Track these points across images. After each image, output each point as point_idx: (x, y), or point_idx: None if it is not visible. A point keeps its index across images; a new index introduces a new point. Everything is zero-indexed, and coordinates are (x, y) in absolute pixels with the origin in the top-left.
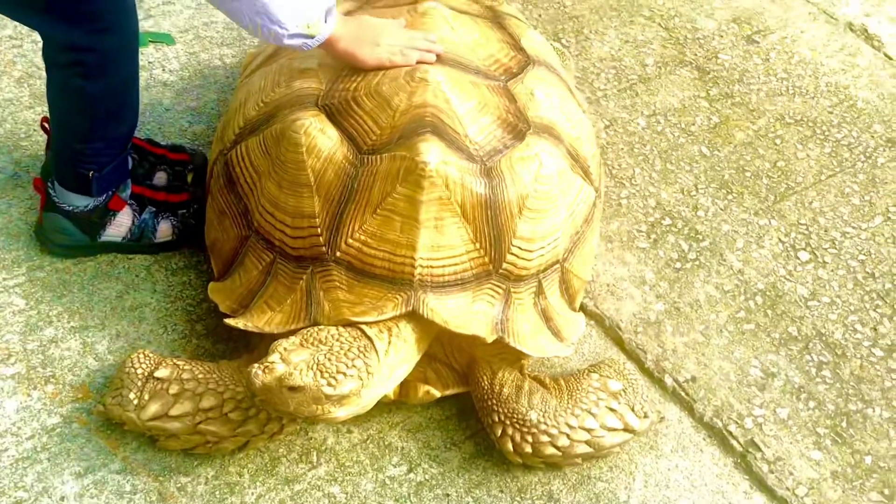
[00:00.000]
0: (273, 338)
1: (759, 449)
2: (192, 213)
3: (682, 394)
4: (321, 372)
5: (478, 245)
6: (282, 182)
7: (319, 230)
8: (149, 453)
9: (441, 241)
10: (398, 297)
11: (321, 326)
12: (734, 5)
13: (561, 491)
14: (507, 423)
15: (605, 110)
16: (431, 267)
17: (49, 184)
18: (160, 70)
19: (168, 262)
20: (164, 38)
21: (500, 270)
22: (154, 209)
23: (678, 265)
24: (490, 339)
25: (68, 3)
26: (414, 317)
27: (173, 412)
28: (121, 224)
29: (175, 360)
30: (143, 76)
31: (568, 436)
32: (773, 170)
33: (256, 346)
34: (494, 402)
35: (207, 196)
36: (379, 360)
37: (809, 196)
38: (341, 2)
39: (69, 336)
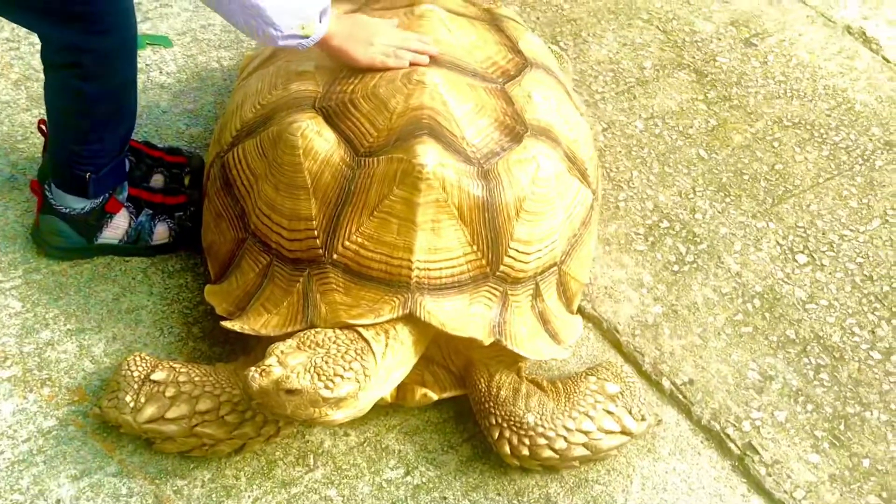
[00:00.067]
0: (270, 340)
1: (756, 452)
2: (189, 216)
3: (680, 396)
4: (318, 375)
5: (475, 247)
6: (278, 184)
7: (316, 232)
8: (145, 456)
9: (438, 244)
10: (395, 299)
11: (318, 329)
12: (732, 8)
13: (558, 494)
14: (505, 425)
15: (602, 113)
16: (428, 269)
17: (46, 186)
18: (157, 72)
19: (165, 265)
20: (162, 41)
21: (498, 273)
22: (151, 212)
23: (676, 268)
24: (487, 341)
25: (67, 4)
26: (411, 319)
27: (169, 415)
28: (117, 226)
29: (171, 363)
30: (141, 78)
31: (565, 438)
32: (770, 172)
33: (253, 348)
34: (492, 404)
35: (204, 198)
36: (376, 362)
37: (807, 199)
38: (339, 4)
39: (65, 339)
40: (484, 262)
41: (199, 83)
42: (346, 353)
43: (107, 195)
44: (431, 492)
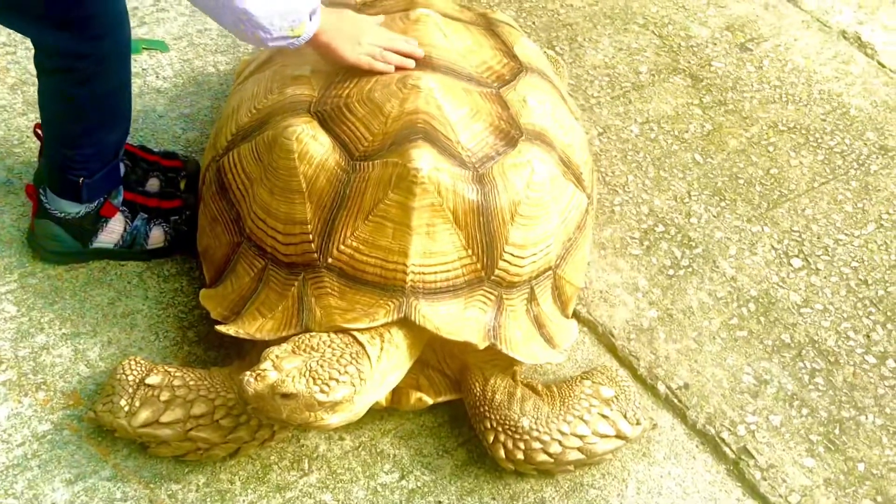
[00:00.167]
0: (265, 345)
1: (751, 456)
2: (185, 220)
3: (675, 401)
4: (313, 379)
5: (470, 252)
6: (274, 188)
7: (311, 236)
8: (140, 460)
9: (433, 248)
10: (390, 303)
11: (313, 333)
12: (728, 13)
13: (553, 498)
14: (500, 429)
15: (598, 117)
16: (423, 273)
17: (41, 190)
18: (154, 77)
19: (160, 269)
20: (158, 45)
21: (493, 277)
22: (146, 216)
23: (671, 272)
24: (482, 345)
25: (59, 9)
26: (406, 323)
27: (164, 419)
28: (112, 231)
29: (166, 367)
30: (137, 83)
31: (560, 442)
32: (766, 177)
33: (248, 352)
34: (486, 408)
35: (200, 203)
36: (371, 366)
37: (802, 203)
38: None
39: (60, 343)
40: (479, 266)
41: (195, 87)
42: (341, 356)
43: (101, 199)
44: (426, 496)
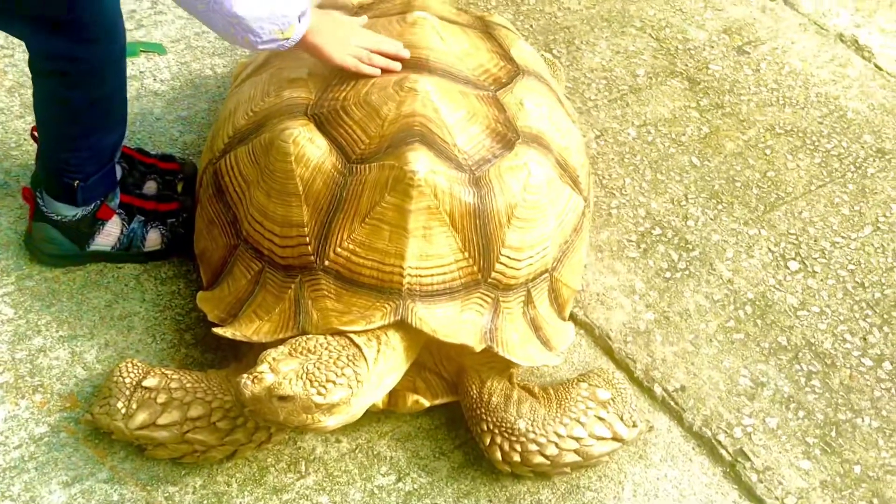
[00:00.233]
0: (262, 347)
1: (748, 458)
2: (182, 222)
3: (672, 403)
4: (310, 381)
5: (466, 254)
6: (270, 191)
7: (308, 239)
8: (136, 462)
9: (429, 251)
10: (386, 306)
11: (309, 335)
12: (725, 16)
13: (550, 500)
14: (496, 431)
15: (595, 120)
16: (420, 276)
17: (38, 193)
18: (151, 80)
19: (157, 272)
20: (156, 48)
21: (489, 280)
22: (143, 218)
23: (668, 275)
24: (478, 348)
25: (52, 12)
26: (402, 326)
27: (161, 421)
28: (109, 233)
29: (163, 370)
30: (135, 85)
31: (556, 445)
32: (763, 180)
33: (245, 355)
34: (483, 410)
35: (197, 205)
36: (368, 368)
37: (799, 206)
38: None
39: (58, 345)
40: (475, 268)
41: (192, 90)
42: (338, 359)
43: (98, 202)
44: (423, 498)
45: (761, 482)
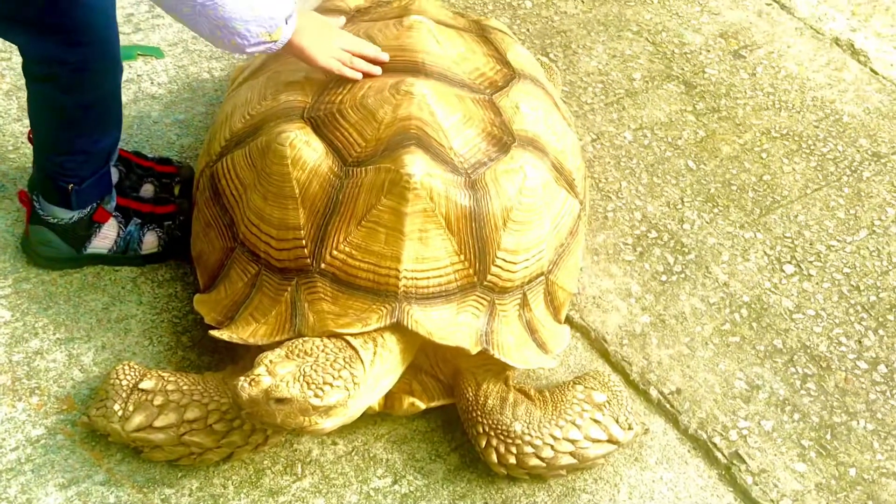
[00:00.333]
0: (258, 349)
1: (743, 461)
2: (178, 225)
3: (667, 406)
4: (308, 383)
5: (462, 257)
6: (267, 194)
7: (304, 242)
8: (133, 465)
9: (425, 253)
10: (383, 308)
11: (306, 338)
12: (721, 20)
13: (545, 503)
14: (492, 434)
15: (592, 124)
16: (416, 279)
17: (34, 196)
18: (149, 83)
19: (154, 274)
20: (153, 52)
21: (485, 282)
22: (140, 221)
23: (664, 278)
24: (474, 350)
25: (43, 15)
26: (399, 328)
27: (158, 423)
28: (106, 236)
29: (160, 372)
30: (132, 89)
31: (552, 447)
32: (758, 183)
33: (242, 357)
34: (479, 413)
35: (194, 208)
36: (365, 370)
37: (795, 209)
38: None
39: (55, 348)
40: (471, 271)
41: (190, 94)
42: (334, 361)
43: (94, 205)
44: (419, 501)
45: (757, 485)
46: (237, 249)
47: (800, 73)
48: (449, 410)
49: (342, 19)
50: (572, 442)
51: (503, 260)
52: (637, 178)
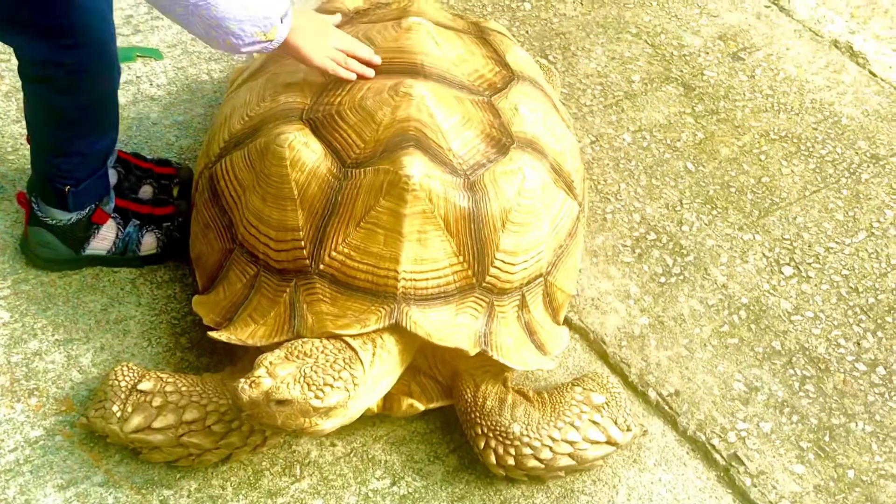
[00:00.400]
0: (257, 351)
1: (742, 463)
2: (177, 227)
3: (666, 407)
4: (308, 385)
5: (461, 258)
6: (266, 195)
7: (303, 243)
8: (131, 466)
9: (424, 255)
10: (381, 309)
11: (305, 339)
12: (720, 23)
13: None
14: (491, 435)
15: (591, 126)
16: (415, 280)
17: (33, 198)
18: (148, 84)
19: (153, 276)
20: (152, 53)
21: (484, 284)
22: (138, 222)
23: (663, 279)
24: (473, 351)
25: (37, 16)
26: (397, 329)
27: (156, 424)
28: (105, 237)
29: (158, 374)
30: (131, 90)
31: (551, 448)
32: (757, 185)
33: (240, 358)
34: (478, 414)
35: (192, 209)
36: (364, 371)
37: (794, 211)
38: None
39: (53, 349)
40: (470, 272)
41: (189, 95)
42: (334, 362)
43: (93, 206)
44: (418, 502)
45: (755, 486)
46: (236, 251)
47: (798, 75)
48: (447, 412)
49: (338, 17)
50: (571, 443)
51: (502, 261)
52: (636, 180)
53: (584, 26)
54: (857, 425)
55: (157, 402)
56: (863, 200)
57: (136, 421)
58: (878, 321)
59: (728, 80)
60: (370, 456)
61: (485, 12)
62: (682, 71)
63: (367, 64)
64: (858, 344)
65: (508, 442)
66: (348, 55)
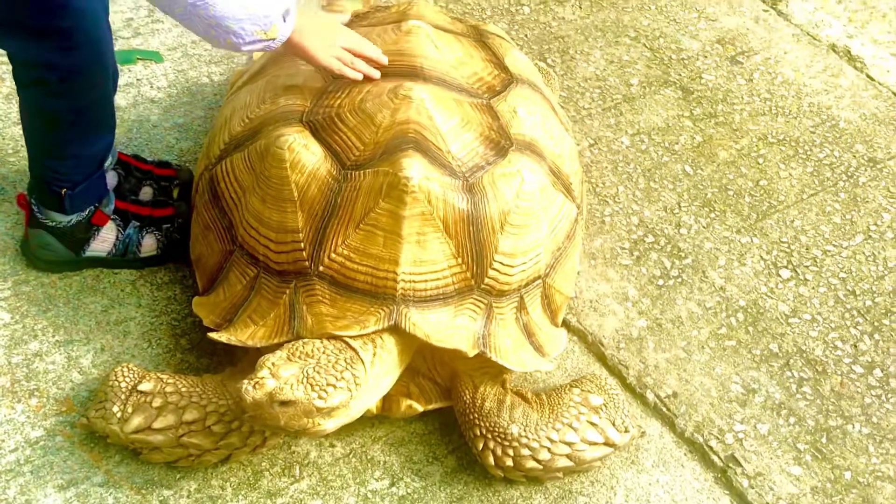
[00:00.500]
0: (257, 352)
1: (739, 464)
2: (177, 228)
3: (664, 409)
4: (311, 385)
5: (460, 260)
6: (266, 197)
7: (303, 245)
8: (132, 466)
9: (423, 256)
10: (381, 311)
11: (306, 340)
12: (718, 26)
13: None
14: (489, 436)
15: (589, 129)
16: (414, 282)
17: (33, 200)
18: (148, 87)
19: (153, 277)
20: (153, 56)
21: (482, 285)
22: (138, 224)
23: (661, 282)
24: (471, 353)
25: (31, 19)
26: (397, 330)
27: (156, 425)
28: (105, 239)
29: (159, 374)
30: (132, 93)
31: (549, 449)
32: (755, 188)
33: (240, 359)
34: (476, 415)
35: (193, 211)
36: (365, 371)
37: (791, 214)
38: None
39: (54, 350)
40: (468, 274)
41: (189, 98)
42: (336, 362)
43: (93, 208)
44: (416, 503)
45: (752, 488)
46: (236, 252)
47: (796, 78)
48: (446, 413)
49: (346, 16)
50: (569, 444)
51: (500, 263)
52: (634, 183)
53: (582, 30)
54: (853, 427)
55: (157, 402)
56: (860, 203)
57: (137, 421)
58: (875, 324)
59: (726, 84)
60: (369, 457)
61: (484, 16)
62: (680, 74)
63: (375, 63)
64: (855, 346)
65: (507, 443)
66: (355, 54)
